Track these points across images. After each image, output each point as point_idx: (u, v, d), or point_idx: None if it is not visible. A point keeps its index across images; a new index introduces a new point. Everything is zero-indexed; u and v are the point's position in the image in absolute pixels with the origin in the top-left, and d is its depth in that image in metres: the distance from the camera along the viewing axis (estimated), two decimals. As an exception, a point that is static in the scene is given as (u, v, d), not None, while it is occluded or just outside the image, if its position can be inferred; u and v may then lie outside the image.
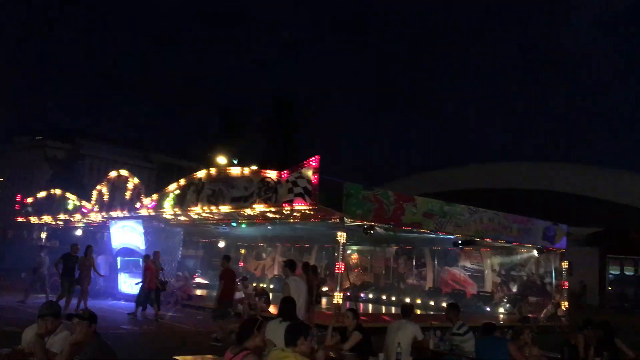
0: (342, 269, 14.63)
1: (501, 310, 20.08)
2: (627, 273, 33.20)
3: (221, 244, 24.53)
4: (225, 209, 15.32)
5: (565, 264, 20.14)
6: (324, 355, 5.16)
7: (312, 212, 13.98)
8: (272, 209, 14.23)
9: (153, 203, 18.06)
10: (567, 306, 19.79)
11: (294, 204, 13.37)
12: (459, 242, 18.26)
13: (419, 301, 21.34)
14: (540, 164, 39.56)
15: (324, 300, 19.71)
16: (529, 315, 17.98)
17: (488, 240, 18.39)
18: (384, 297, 22.96)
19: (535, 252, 20.17)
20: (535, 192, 35.16)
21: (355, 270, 26.44)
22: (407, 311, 8.23)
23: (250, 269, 28.22)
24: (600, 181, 35.46)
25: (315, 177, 12.92)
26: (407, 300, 20.71)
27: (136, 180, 19.52)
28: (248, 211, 14.88)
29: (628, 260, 32.69)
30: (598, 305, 30.17)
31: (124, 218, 19.85)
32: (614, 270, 33.13)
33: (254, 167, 15.46)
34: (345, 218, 13.85)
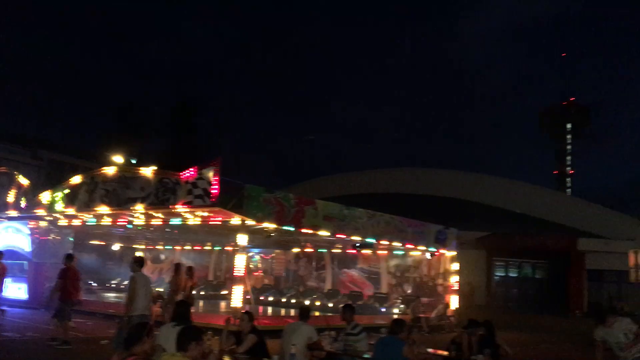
0: (242, 271, 14.56)
1: (395, 310, 20.79)
2: (511, 275, 35.53)
3: (115, 247, 23.58)
4: (119, 210, 14.77)
5: (455, 266, 21.25)
6: (215, 358, 5.12)
7: (211, 214, 13.81)
8: (170, 211, 13.91)
9: (41, 203, 17.03)
10: (457, 306, 20.88)
11: (193, 206, 13.14)
12: (357, 245, 18.73)
13: (318, 303, 21.59)
14: (434, 171, 41.48)
15: (222, 304, 19.51)
16: (421, 315, 18.75)
17: (385, 243, 18.99)
18: (284, 300, 23.05)
19: (428, 255, 21.10)
20: (429, 197, 36.75)
21: (256, 273, 26.34)
22: (303, 313, 8.35)
23: (147, 272, 27.29)
24: (489, 188, 37.71)
25: (216, 178, 12.77)
26: (307, 302, 20.91)
27: (22, 179, 18.34)
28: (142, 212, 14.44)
29: (512, 263, 35.01)
30: (485, 305, 31.96)
31: (8, 219, 18.58)
32: (499, 272, 35.33)
33: (153, 167, 15.01)
34: (245, 220, 13.79)
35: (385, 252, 21.98)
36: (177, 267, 14.52)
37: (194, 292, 15.58)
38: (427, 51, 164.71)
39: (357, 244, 18.52)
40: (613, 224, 34.22)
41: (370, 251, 21.48)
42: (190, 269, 14.83)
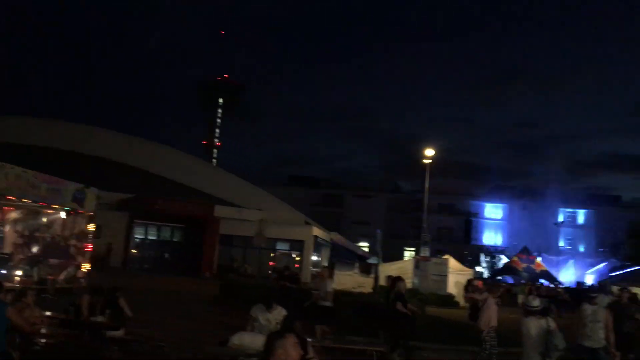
0: None
1: (19, 272, 18.93)
2: (150, 237, 36.19)
3: None
4: None
5: (92, 227, 20.45)
6: None
7: None
8: None
9: None
10: (89, 268, 20.15)
11: None
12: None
13: None
14: (75, 126, 38.84)
15: None
16: (48, 277, 17.56)
17: (12, 198, 17.07)
18: None
19: (62, 214, 19.77)
20: (69, 153, 34.39)
21: None
22: None
23: None
24: (133, 149, 37.28)
25: None
26: None
27: None
28: None
29: (152, 226, 35.67)
30: (121, 267, 31.83)
31: None
32: (139, 235, 35.59)
33: None
34: None
35: (12, 208, 19.75)
36: None
37: None
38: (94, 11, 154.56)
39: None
40: (247, 194, 37.97)
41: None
42: None
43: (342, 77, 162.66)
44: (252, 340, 7.03)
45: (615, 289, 26.58)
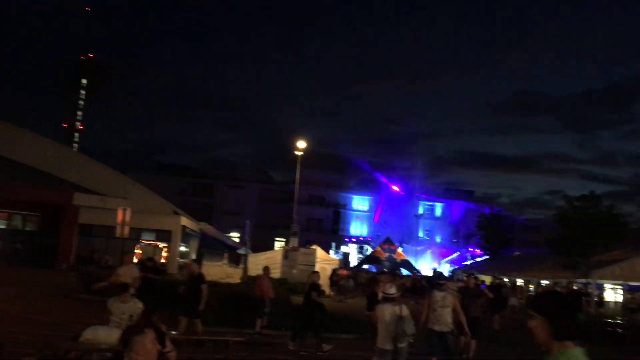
0: None
1: None
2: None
3: None
4: None
5: None
6: None
7: None
8: None
9: None
10: None
11: None
12: None
13: None
14: None
15: None
16: None
17: None
18: None
19: None
20: None
21: None
22: None
23: None
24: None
25: None
26: None
27: None
28: None
29: (1, 214, 32.79)
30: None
31: None
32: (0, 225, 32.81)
33: None
34: None
35: None
36: None
37: None
38: None
39: None
40: (110, 182, 36.03)
41: None
42: None
43: (216, 65, 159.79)
44: (107, 335, 6.70)
45: (463, 275, 28.85)
